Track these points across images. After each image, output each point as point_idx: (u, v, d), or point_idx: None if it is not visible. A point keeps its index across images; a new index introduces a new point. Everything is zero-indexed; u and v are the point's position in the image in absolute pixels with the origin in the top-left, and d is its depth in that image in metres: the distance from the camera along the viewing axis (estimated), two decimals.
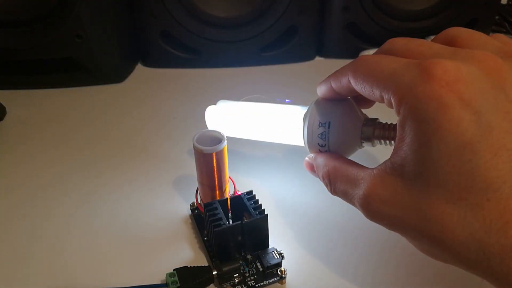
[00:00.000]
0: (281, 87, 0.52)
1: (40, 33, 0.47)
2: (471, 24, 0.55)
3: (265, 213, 0.28)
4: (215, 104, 0.34)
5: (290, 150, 0.40)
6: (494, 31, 0.63)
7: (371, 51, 0.53)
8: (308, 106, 0.29)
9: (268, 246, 0.29)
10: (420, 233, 0.21)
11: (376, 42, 0.55)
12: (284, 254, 0.28)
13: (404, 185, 0.22)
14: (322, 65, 0.57)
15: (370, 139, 0.27)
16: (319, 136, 0.28)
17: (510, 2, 0.67)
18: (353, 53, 0.55)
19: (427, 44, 0.24)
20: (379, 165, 0.23)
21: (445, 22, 0.54)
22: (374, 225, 0.32)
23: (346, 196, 0.26)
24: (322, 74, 0.29)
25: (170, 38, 0.54)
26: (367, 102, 0.29)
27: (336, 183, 0.26)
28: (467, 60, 0.21)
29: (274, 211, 0.32)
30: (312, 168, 0.29)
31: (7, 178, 0.38)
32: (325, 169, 0.27)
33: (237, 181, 0.33)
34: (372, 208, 0.23)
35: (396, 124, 0.24)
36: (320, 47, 0.58)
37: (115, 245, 0.31)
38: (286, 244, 0.30)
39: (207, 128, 0.29)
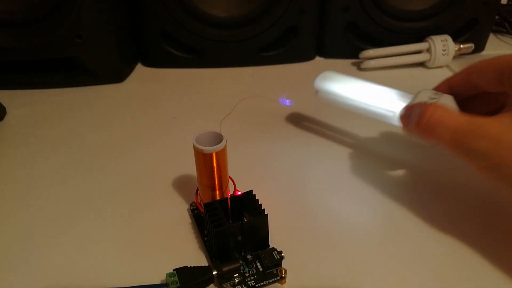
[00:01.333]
0: (281, 87, 0.52)
1: (40, 33, 0.47)
2: (471, 24, 0.55)
3: (265, 213, 0.28)
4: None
5: (290, 150, 0.40)
6: (494, 31, 0.63)
7: (371, 51, 0.53)
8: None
9: (268, 246, 0.29)
10: None
11: (376, 42, 0.55)
12: (284, 254, 0.28)
13: None
14: (322, 65, 0.57)
15: None
16: (428, 99, 0.31)
17: (510, 2, 0.67)
18: (353, 53, 0.55)
19: None
20: (498, 115, 0.25)
21: (445, 22, 0.54)
22: (374, 225, 0.32)
23: (455, 142, 0.26)
24: None
25: (170, 38, 0.54)
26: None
27: (446, 130, 0.26)
28: None
29: (274, 211, 0.32)
30: (409, 114, 0.29)
31: (7, 178, 0.38)
32: (433, 115, 0.27)
33: (237, 181, 0.33)
34: (503, 154, 0.24)
35: None
36: (320, 47, 0.58)
37: (115, 245, 0.31)
38: (286, 244, 0.30)
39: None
